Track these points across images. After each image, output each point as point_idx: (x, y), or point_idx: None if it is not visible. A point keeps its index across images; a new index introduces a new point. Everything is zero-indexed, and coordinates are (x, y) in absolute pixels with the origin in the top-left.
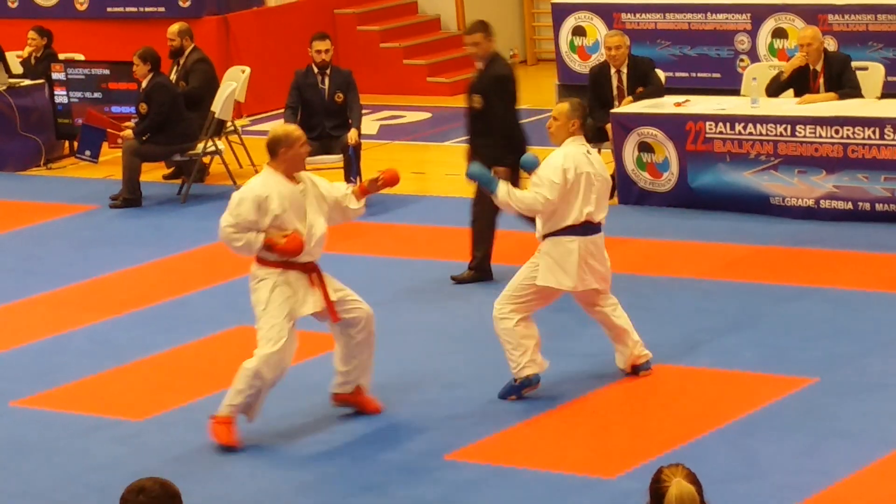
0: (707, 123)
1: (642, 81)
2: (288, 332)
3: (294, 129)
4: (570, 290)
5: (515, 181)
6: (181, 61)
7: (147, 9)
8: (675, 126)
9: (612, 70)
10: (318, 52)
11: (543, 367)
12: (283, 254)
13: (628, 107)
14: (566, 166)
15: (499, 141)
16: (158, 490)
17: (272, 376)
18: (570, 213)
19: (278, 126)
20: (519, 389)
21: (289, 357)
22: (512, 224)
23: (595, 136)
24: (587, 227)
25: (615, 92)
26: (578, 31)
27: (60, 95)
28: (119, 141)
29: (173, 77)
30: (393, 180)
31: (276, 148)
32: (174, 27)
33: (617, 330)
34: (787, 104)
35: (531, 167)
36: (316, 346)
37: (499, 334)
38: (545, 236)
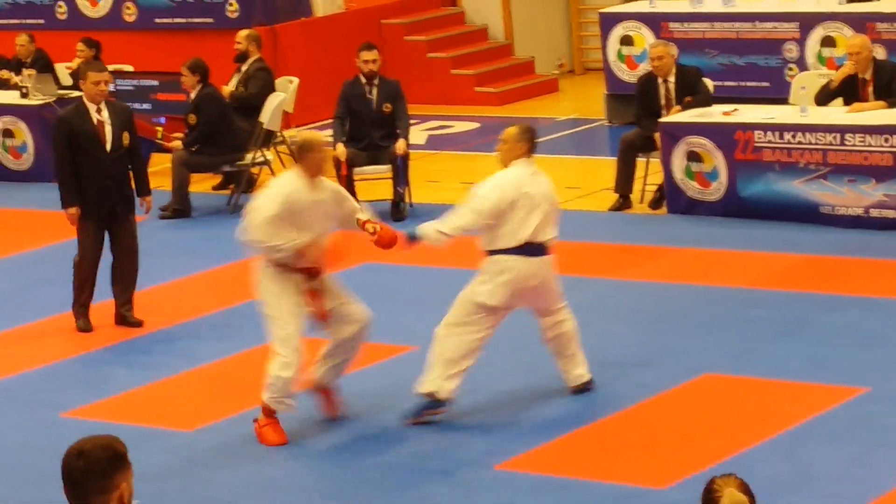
0: (756, 132)
1: (690, 90)
2: (299, 334)
3: (318, 136)
4: (496, 306)
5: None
6: (243, 68)
7: (195, 20)
8: (723, 135)
9: (660, 79)
10: (366, 62)
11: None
12: (325, 258)
13: (676, 116)
14: (503, 184)
15: (142, 175)
16: (99, 453)
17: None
18: (510, 233)
19: (304, 131)
20: (426, 409)
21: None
22: None
23: (644, 146)
24: (529, 248)
25: (663, 101)
26: (626, 41)
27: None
28: (169, 143)
29: (234, 82)
30: (385, 244)
31: (300, 153)
32: (244, 32)
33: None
34: (837, 113)
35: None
36: (369, 356)
37: (433, 349)
38: (488, 253)
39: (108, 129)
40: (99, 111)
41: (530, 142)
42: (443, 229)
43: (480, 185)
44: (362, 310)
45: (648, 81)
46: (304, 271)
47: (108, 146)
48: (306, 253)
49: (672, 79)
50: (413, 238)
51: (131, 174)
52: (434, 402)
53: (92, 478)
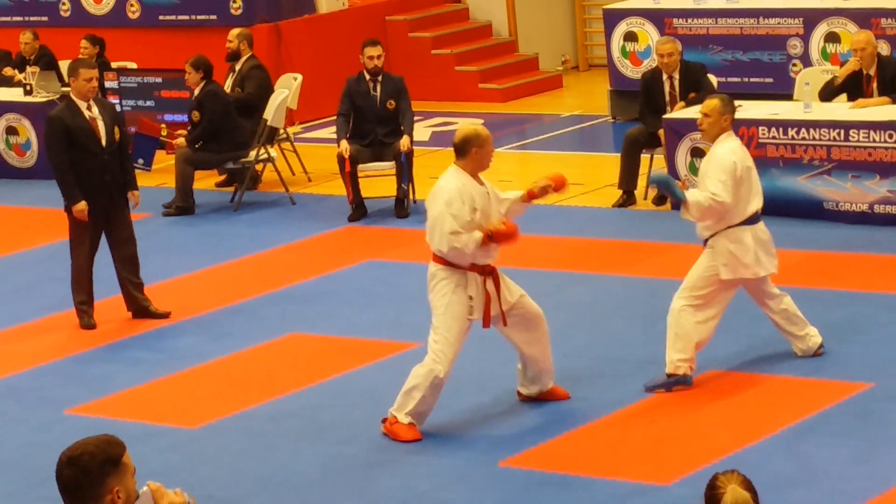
0: (760, 128)
1: (695, 87)
2: (458, 345)
3: (483, 129)
4: (764, 274)
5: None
6: (237, 67)
7: (199, 17)
8: None
9: (665, 76)
10: (370, 58)
11: (691, 370)
12: (506, 238)
13: (681, 112)
14: (735, 160)
15: (131, 169)
16: (89, 460)
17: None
18: (744, 207)
19: (466, 125)
20: (670, 385)
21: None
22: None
23: (648, 142)
24: (756, 217)
25: (667, 97)
26: (630, 37)
27: (113, 104)
28: (173, 144)
29: (229, 83)
30: (561, 185)
31: (466, 147)
32: (235, 30)
33: (786, 318)
34: (841, 109)
35: (663, 184)
36: (372, 353)
37: (670, 325)
38: (713, 234)
39: (100, 126)
40: (89, 108)
41: (733, 112)
42: (714, 206)
43: (711, 173)
44: (533, 301)
45: (653, 78)
46: (479, 269)
47: (104, 142)
48: (487, 247)
49: (676, 75)
50: (663, 185)
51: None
52: (678, 380)
53: (83, 485)
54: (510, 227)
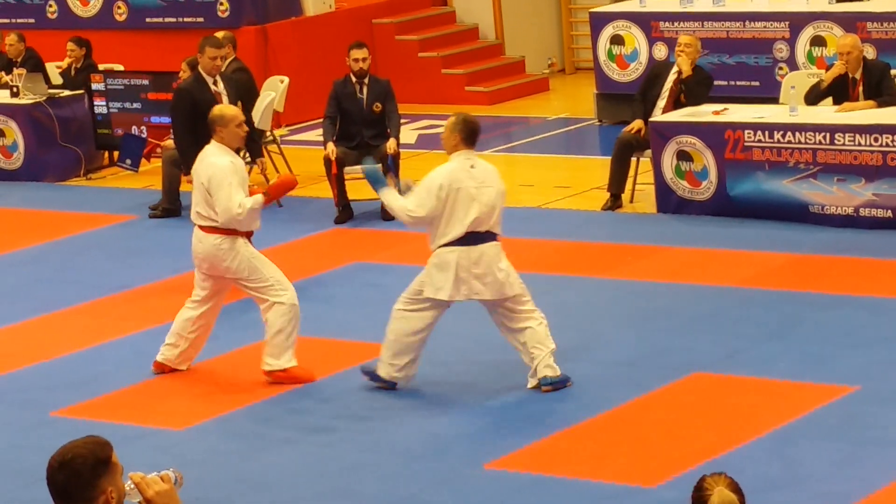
0: (746, 132)
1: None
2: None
3: (230, 110)
4: (446, 300)
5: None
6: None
7: (186, 19)
8: (713, 134)
9: (673, 71)
10: (356, 60)
11: (399, 378)
12: (282, 188)
13: (667, 115)
14: (441, 182)
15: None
16: (80, 463)
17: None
18: (450, 228)
19: (216, 107)
20: (374, 378)
21: None
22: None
23: (639, 145)
24: (470, 238)
25: (666, 91)
26: (617, 40)
27: (100, 106)
28: (158, 150)
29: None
30: (287, 184)
31: (212, 126)
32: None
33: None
34: (826, 112)
35: (370, 176)
36: (358, 355)
37: (387, 330)
38: (435, 249)
39: (225, 100)
40: (215, 83)
41: (462, 133)
42: (401, 215)
43: (418, 188)
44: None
45: (663, 68)
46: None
47: None
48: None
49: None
50: (369, 176)
51: None
52: (383, 381)
53: (76, 488)
54: (280, 178)
